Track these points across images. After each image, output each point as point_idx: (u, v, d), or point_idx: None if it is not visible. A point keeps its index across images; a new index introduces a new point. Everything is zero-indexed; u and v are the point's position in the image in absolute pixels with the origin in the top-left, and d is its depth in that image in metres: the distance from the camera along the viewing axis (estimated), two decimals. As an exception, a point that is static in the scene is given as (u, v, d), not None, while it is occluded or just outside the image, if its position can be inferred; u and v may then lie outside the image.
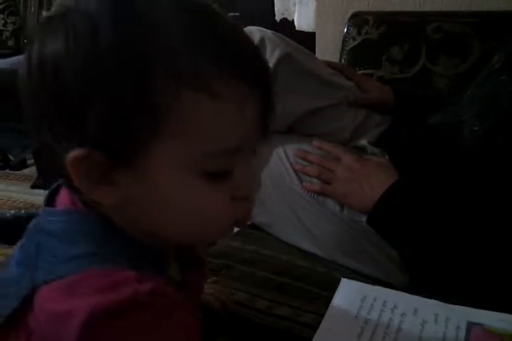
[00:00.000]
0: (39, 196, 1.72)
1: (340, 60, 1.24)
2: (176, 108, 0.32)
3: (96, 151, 0.33)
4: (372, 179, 0.74)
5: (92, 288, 0.32)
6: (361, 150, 0.83)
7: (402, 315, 0.58)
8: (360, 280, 0.66)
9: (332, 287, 0.64)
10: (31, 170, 2.15)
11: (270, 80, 0.37)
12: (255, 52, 0.37)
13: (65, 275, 0.33)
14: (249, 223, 0.96)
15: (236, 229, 0.92)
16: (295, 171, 0.81)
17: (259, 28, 0.85)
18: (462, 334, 0.55)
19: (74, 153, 0.33)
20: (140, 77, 0.32)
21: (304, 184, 0.79)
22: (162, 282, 0.34)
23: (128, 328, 0.31)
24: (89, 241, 0.35)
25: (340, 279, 0.66)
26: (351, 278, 0.66)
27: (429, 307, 0.59)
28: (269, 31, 0.84)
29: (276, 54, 0.80)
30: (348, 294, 0.61)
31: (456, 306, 0.59)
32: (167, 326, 0.32)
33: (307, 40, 1.60)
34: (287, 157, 0.82)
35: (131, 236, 0.37)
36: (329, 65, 0.91)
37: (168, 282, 0.35)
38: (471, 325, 0.56)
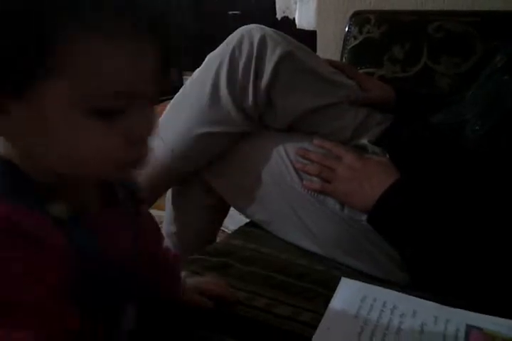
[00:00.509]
0: None
1: (342, 58, 1.24)
2: (64, 50, 0.33)
3: None
4: (373, 178, 0.74)
5: None
6: (362, 149, 0.83)
7: (402, 316, 0.58)
8: (360, 279, 0.66)
9: (331, 286, 0.64)
10: None
11: (169, 35, 0.38)
12: (154, 2, 0.38)
13: None
14: (248, 220, 0.96)
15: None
16: (295, 169, 0.80)
17: (260, 26, 0.84)
18: (461, 337, 0.55)
19: None
20: (29, 19, 0.33)
21: (305, 182, 0.79)
22: (22, 215, 0.35)
23: None
24: None
25: (339, 278, 0.66)
26: (351, 277, 0.66)
27: (429, 310, 0.59)
28: (270, 29, 0.83)
29: (278, 52, 0.80)
30: (347, 294, 0.61)
31: (456, 309, 0.59)
32: None
33: (308, 38, 1.59)
34: (288, 155, 0.82)
35: (19, 174, 0.38)
36: (330, 63, 0.91)
37: (33, 214, 0.36)
38: (470, 328, 0.56)
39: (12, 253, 0.35)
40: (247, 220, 1.44)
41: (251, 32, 0.82)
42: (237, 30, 0.85)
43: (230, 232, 1.38)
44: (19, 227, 0.35)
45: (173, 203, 0.96)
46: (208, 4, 4.33)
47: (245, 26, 0.85)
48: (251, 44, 0.81)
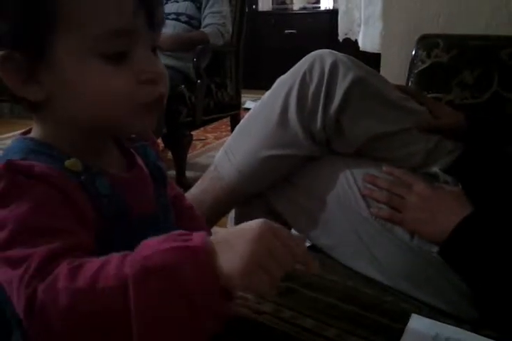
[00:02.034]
0: None
1: (407, 82, 1.22)
2: (63, 5, 0.40)
3: (14, 51, 0.41)
4: (445, 209, 0.72)
5: None
6: (432, 178, 0.81)
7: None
8: (426, 312, 0.65)
9: (400, 318, 0.62)
10: None
11: None
12: None
13: None
14: (309, 244, 0.95)
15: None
16: (362, 195, 0.79)
17: (332, 51, 0.85)
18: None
19: None
20: None
21: (372, 209, 0.78)
22: (40, 167, 0.41)
23: None
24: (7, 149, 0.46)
25: (408, 310, 0.64)
26: (417, 310, 0.64)
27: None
28: (341, 54, 0.84)
29: (349, 77, 0.80)
30: (419, 331, 0.59)
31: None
32: (17, 197, 0.39)
33: (370, 61, 1.59)
34: (355, 180, 0.81)
35: (38, 141, 0.46)
36: (400, 88, 0.90)
37: (54, 168, 0.42)
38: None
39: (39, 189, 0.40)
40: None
41: (323, 57, 0.83)
42: (309, 54, 0.86)
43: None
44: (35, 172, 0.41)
45: (237, 224, 0.96)
46: (265, 23, 4.41)
47: (317, 51, 0.86)
48: (322, 69, 0.81)
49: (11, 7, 0.41)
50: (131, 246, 0.44)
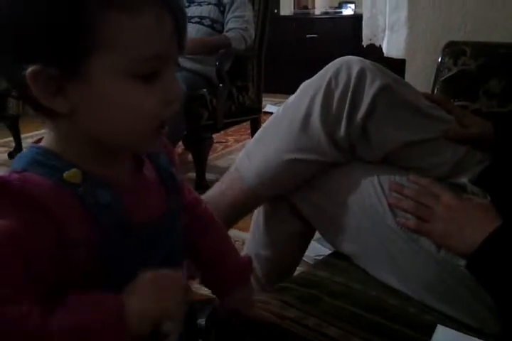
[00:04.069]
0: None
1: (433, 90, 1.21)
2: (103, 27, 0.41)
3: (50, 66, 0.42)
4: (473, 221, 0.71)
5: None
6: (460, 188, 0.80)
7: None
8: (451, 326, 0.64)
9: (425, 331, 0.62)
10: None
11: (178, 5, 0.46)
12: None
13: None
14: (331, 251, 0.95)
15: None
16: (389, 205, 0.78)
17: (359, 58, 0.84)
18: None
19: (32, 68, 0.42)
20: (73, 4, 0.41)
21: (398, 219, 0.77)
22: (31, 178, 0.43)
23: None
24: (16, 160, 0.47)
25: (432, 321, 0.63)
26: (442, 323, 0.64)
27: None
28: (368, 62, 0.83)
29: (376, 85, 0.80)
30: (445, 342, 0.58)
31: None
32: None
33: (395, 67, 1.58)
34: (382, 189, 0.80)
35: (46, 149, 0.47)
36: (427, 97, 0.89)
37: (47, 181, 0.44)
38: None
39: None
40: (321, 246, 1.42)
41: (349, 63, 0.83)
42: (336, 60, 0.85)
43: (303, 258, 1.37)
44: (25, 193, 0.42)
45: (264, 227, 0.95)
46: (286, 27, 4.41)
47: (344, 57, 0.85)
48: (349, 75, 0.81)
49: (59, 30, 0.41)
50: (130, 253, 0.47)
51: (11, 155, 2.58)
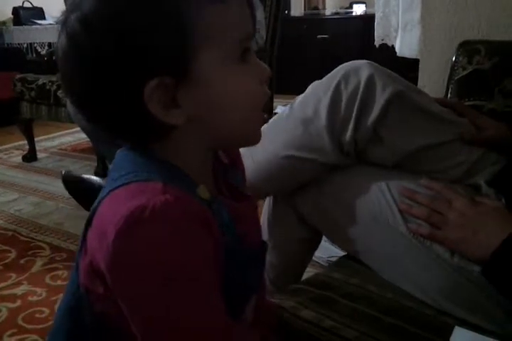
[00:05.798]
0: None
1: (447, 89, 1.18)
2: (202, 24, 0.42)
3: (165, 77, 0.41)
4: (488, 226, 0.68)
5: (127, 196, 0.40)
6: (474, 189, 0.78)
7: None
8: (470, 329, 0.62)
9: (443, 333, 0.60)
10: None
11: None
12: None
13: (113, 189, 0.42)
14: (344, 253, 0.93)
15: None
16: (400, 210, 0.76)
17: (370, 62, 0.82)
18: None
19: (149, 84, 0.41)
20: (171, 10, 0.41)
21: (410, 225, 0.74)
22: (186, 196, 0.40)
23: (144, 233, 0.38)
24: (131, 166, 0.44)
25: (450, 325, 0.62)
26: (459, 324, 0.62)
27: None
28: (379, 66, 0.81)
29: (388, 91, 0.78)
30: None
31: None
32: (177, 236, 0.38)
33: (408, 67, 1.55)
34: (391, 194, 0.78)
35: (168, 162, 0.45)
36: (440, 101, 0.87)
37: (193, 198, 0.42)
38: None
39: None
40: (332, 248, 1.40)
41: (360, 67, 0.81)
42: (346, 63, 0.83)
43: (315, 259, 1.35)
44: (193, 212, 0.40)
45: (271, 234, 0.95)
46: (297, 28, 4.39)
47: (354, 61, 0.83)
48: (358, 79, 0.79)
49: (166, 34, 0.41)
50: (241, 278, 0.46)
51: (25, 158, 2.60)
